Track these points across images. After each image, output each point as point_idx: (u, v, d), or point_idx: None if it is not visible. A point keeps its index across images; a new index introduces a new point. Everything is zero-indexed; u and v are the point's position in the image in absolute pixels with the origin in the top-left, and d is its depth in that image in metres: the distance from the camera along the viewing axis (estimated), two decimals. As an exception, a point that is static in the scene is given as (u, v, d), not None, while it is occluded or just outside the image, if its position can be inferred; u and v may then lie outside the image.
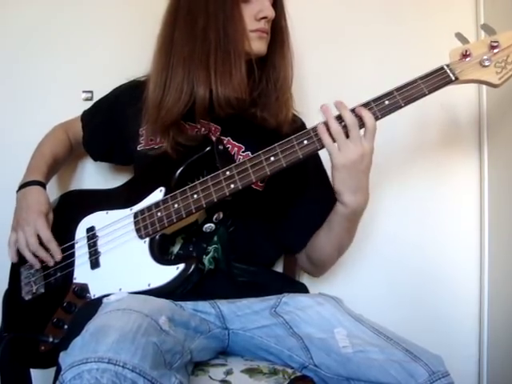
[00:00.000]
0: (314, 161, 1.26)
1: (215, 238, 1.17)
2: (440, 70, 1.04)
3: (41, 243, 1.17)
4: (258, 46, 1.18)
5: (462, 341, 1.51)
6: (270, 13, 1.16)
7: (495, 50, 1.03)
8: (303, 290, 1.25)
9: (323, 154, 1.24)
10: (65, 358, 0.80)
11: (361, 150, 1.02)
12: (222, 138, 1.20)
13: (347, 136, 1.02)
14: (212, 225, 1.15)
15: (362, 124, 1.03)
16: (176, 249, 1.16)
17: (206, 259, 1.15)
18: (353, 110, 1.03)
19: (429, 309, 1.52)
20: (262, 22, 1.16)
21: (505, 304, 1.41)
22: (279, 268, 1.42)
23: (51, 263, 1.17)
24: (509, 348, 1.37)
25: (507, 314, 1.39)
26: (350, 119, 1.02)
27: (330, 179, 1.08)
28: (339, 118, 1.03)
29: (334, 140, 1.02)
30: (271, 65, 1.22)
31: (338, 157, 1.02)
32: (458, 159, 1.54)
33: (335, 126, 1.02)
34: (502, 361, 1.41)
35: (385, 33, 1.53)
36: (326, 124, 1.03)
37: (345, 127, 1.02)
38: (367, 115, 1.02)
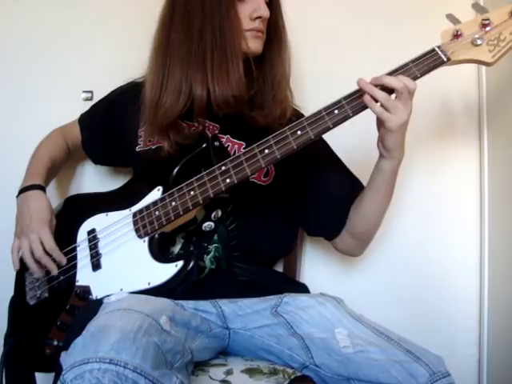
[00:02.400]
0: (322, 146, 1.28)
1: (215, 237, 1.17)
2: (431, 52, 1.04)
3: (44, 251, 1.17)
4: (253, 45, 1.18)
5: (463, 340, 1.51)
6: (265, 12, 1.16)
7: (487, 28, 1.03)
8: (304, 289, 1.25)
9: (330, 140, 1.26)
10: (66, 359, 0.81)
11: (410, 109, 1.03)
12: (222, 136, 1.20)
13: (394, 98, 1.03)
14: (211, 223, 1.16)
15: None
16: (177, 248, 1.16)
17: (207, 259, 1.16)
18: (395, 71, 1.04)
19: (429, 308, 1.52)
20: (256, 21, 1.16)
21: (505, 304, 1.41)
22: (280, 268, 1.42)
23: (55, 271, 1.16)
24: (509, 348, 1.37)
25: (507, 313, 1.38)
26: (397, 84, 1.01)
27: (380, 141, 1.08)
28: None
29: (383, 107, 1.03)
30: (268, 63, 1.22)
31: (393, 120, 1.02)
32: (456, 151, 1.53)
33: (382, 94, 1.02)
34: (501, 361, 1.41)
35: (384, 32, 1.54)
36: (369, 95, 1.03)
37: (390, 91, 1.03)
38: (406, 79, 1.02)
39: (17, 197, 1.25)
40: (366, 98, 1.03)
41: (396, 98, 1.02)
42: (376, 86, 1.03)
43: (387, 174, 1.12)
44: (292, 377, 1.02)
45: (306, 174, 1.24)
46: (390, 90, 1.03)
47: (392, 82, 1.02)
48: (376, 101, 1.02)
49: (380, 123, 1.06)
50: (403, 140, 1.08)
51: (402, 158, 1.11)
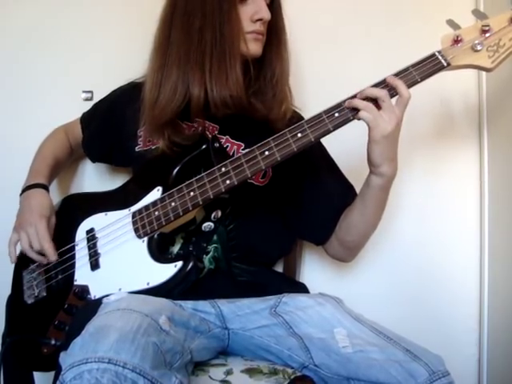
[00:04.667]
0: (320, 151, 1.28)
1: (215, 238, 1.17)
2: (432, 57, 1.05)
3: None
4: (253, 47, 1.17)
5: (462, 341, 1.51)
6: (266, 15, 1.16)
7: (487, 34, 1.04)
8: (303, 289, 1.25)
9: (329, 143, 1.25)
10: (65, 359, 0.81)
11: (396, 118, 1.02)
12: (221, 136, 1.20)
13: (379, 108, 1.02)
14: (211, 224, 1.15)
15: (392, 93, 1.03)
16: (176, 248, 1.16)
17: (206, 259, 1.16)
18: (383, 81, 1.04)
19: (429, 309, 1.52)
20: (257, 23, 1.16)
21: (505, 304, 1.41)
22: (279, 268, 1.42)
23: (53, 257, 1.16)
24: (509, 348, 1.37)
25: (507, 313, 1.39)
26: (378, 92, 1.02)
27: (367, 154, 1.07)
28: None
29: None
30: (268, 64, 1.22)
31: (376, 129, 1.02)
32: (456, 153, 1.53)
33: (364, 103, 1.02)
34: (502, 361, 1.41)
35: (385, 33, 1.54)
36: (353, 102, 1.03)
37: (374, 101, 1.03)
38: (401, 85, 1.02)
39: (20, 195, 1.25)
40: (348, 102, 1.03)
41: (381, 108, 1.02)
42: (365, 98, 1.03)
43: (375, 189, 1.12)
44: (292, 377, 1.02)
45: (301, 178, 1.25)
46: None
47: (373, 91, 1.02)
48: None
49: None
50: (391, 155, 1.06)
51: (393, 176, 1.10)
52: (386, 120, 1.01)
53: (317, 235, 1.28)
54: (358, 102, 1.03)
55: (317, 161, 1.26)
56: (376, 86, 1.04)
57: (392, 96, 1.03)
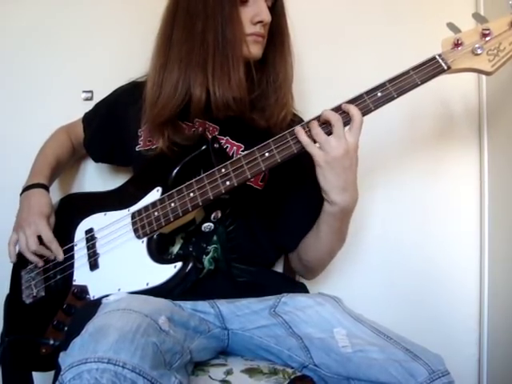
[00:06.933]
0: (310, 161, 1.27)
1: (215, 238, 1.17)
2: (432, 60, 1.05)
3: (42, 244, 1.17)
4: (253, 49, 1.17)
5: (462, 341, 1.51)
6: (266, 17, 1.15)
7: (487, 38, 1.04)
8: (303, 290, 1.25)
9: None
10: (64, 359, 0.81)
11: (345, 146, 1.01)
12: (221, 137, 1.20)
13: (329, 133, 1.02)
14: (211, 224, 1.15)
15: (347, 120, 1.02)
16: (176, 249, 1.16)
17: (205, 259, 1.16)
18: (339, 108, 1.04)
19: (429, 309, 1.52)
20: (257, 26, 1.16)
21: (505, 304, 1.41)
22: (279, 268, 1.42)
23: (60, 256, 1.17)
24: (509, 348, 1.37)
25: (507, 313, 1.39)
26: (332, 116, 1.01)
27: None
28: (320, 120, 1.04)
29: (314, 140, 1.03)
30: (271, 67, 1.22)
31: (319, 154, 1.02)
32: (456, 154, 1.53)
33: (314, 126, 1.02)
34: (502, 361, 1.41)
35: (385, 33, 1.54)
36: (303, 126, 1.04)
37: (327, 126, 1.02)
38: (354, 110, 1.02)
39: (20, 195, 1.25)
40: (297, 128, 1.03)
41: (332, 132, 1.02)
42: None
43: (328, 215, 1.10)
44: (292, 376, 1.02)
45: (290, 184, 1.24)
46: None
47: (327, 114, 1.02)
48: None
49: None
50: (340, 184, 1.03)
51: (347, 208, 1.07)
52: (334, 146, 1.01)
53: (284, 242, 1.27)
54: (311, 124, 1.02)
55: (305, 169, 1.24)
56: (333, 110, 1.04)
57: (346, 124, 1.02)
